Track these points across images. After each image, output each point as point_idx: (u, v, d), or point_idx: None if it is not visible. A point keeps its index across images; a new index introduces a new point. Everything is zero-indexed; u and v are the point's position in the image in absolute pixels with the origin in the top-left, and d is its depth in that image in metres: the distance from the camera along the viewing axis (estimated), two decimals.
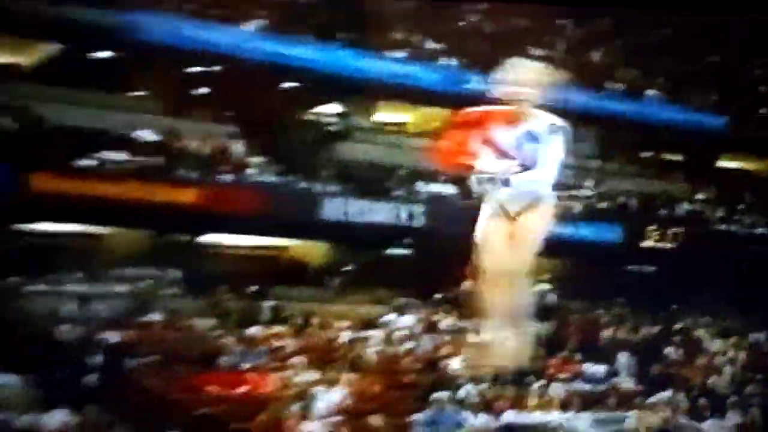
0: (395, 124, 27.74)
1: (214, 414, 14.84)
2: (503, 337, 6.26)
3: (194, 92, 23.57)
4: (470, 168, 6.12)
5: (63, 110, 20.25)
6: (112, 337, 16.52)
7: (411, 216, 22.23)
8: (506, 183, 6.03)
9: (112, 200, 18.89)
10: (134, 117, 21.20)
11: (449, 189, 23.37)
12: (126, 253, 20.34)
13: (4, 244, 18.94)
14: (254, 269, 20.93)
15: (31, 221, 19.42)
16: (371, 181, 22.69)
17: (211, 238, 21.27)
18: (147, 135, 20.98)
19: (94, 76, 21.57)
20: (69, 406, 13.99)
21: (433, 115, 27.64)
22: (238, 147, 22.11)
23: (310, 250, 22.68)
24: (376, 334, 18.59)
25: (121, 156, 19.77)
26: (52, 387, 14.72)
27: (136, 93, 23.30)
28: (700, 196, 28.07)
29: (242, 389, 15.61)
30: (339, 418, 14.77)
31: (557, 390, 17.11)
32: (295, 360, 16.47)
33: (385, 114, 27.38)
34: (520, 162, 6.06)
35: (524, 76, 6.12)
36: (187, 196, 19.95)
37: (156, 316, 17.84)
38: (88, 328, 16.76)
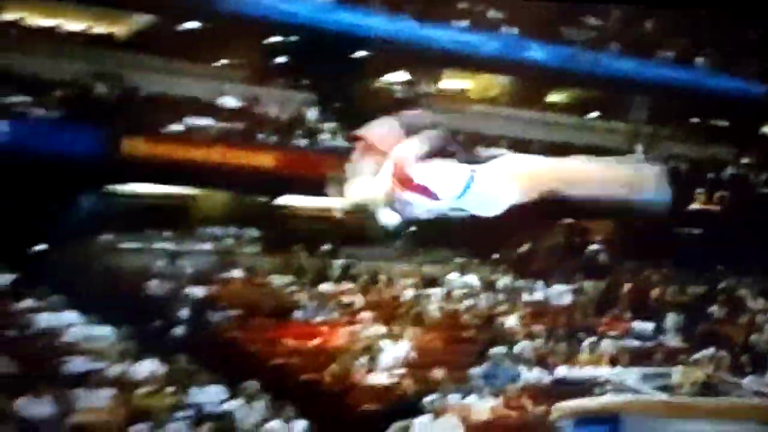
0: (458, 90, 27.87)
1: (288, 364, 15.06)
2: None
3: (273, 61, 23.85)
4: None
5: (154, 78, 20.72)
6: (197, 291, 16.92)
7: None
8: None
9: (198, 164, 19.33)
10: (219, 85, 21.61)
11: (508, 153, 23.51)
12: (210, 214, 20.73)
13: (99, 205, 19.42)
14: (326, 229, 21.16)
15: (124, 183, 19.89)
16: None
17: (287, 199, 21.54)
18: (230, 102, 21.36)
19: (182, 46, 21.92)
20: (158, 356, 14.21)
21: (493, 82, 27.80)
22: (312, 113, 22.40)
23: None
24: (437, 292, 18.83)
25: (206, 122, 20.17)
26: (142, 338, 14.98)
27: (221, 62, 23.64)
28: (744, 160, 27.99)
29: (314, 341, 15.78)
30: (403, 370, 14.94)
31: (607, 346, 17.15)
32: (363, 315, 16.66)
33: (449, 81, 27.50)
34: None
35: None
36: (266, 159, 20.29)
37: (237, 273, 18.31)
38: (175, 283, 17.18)
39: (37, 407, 12.12)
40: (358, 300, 17.71)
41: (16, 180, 17.02)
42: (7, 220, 17.25)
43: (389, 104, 23.61)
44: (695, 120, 29.76)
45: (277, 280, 18.27)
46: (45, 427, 11.79)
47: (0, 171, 16.92)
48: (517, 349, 16.39)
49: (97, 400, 12.59)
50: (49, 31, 22.08)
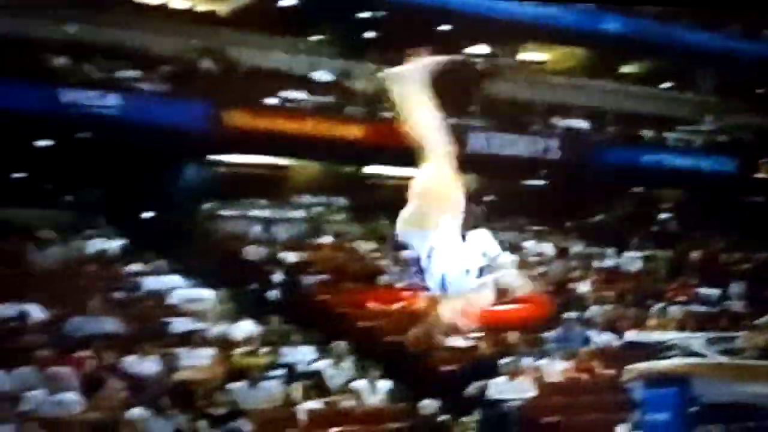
0: (536, 62, 27.73)
1: (373, 326, 15.25)
2: None
3: (362, 36, 23.89)
4: None
5: (253, 53, 20.91)
6: (290, 257, 17.10)
7: (547, 149, 22.32)
8: None
9: (292, 135, 19.47)
10: (313, 59, 21.77)
11: (582, 124, 23.46)
12: (302, 183, 20.94)
13: (202, 174, 19.74)
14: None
15: (224, 153, 20.16)
16: (512, 116, 22.83)
17: (374, 169, 21.70)
18: (323, 76, 21.48)
19: (279, 22, 22.06)
20: (254, 318, 14.53)
21: (570, 54, 27.58)
22: None
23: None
24: (513, 259, 18.74)
25: (300, 95, 20.34)
26: (240, 300, 15.34)
27: (315, 37, 23.75)
28: None
29: (398, 305, 15.92)
30: (480, 333, 15.06)
31: (675, 311, 17.16)
32: None
33: (527, 53, 27.36)
34: None
35: None
36: (354, 131, 20.43)
37: (326, 239, 18.54)
38: (270, 248, 17.36)
39: (144, 365, 12.50)
40: None
41: (126, 150, 17.38)
42: (118, 189, 17.68)
43: (471, 76, 23.63)
44: (761, 90, 29.27)
45: (364, 246, 18.38)
46: (151, 384, 12.08)
47: (111, 142, 17.37)
48: (588, 313, 16.51)
49: (199, 359, 12.96)
50: (157, 9, 22.33)
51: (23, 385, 11.42)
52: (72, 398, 11.33)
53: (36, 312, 13.11)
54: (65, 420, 10.94)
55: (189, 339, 13.28)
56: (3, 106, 16.24)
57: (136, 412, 11.24)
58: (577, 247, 20.18)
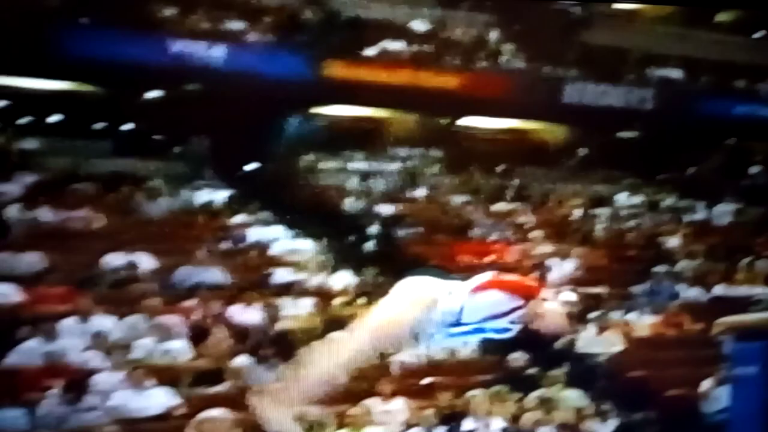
0: (630, 11, 27.22)
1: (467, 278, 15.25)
2: None
3: None
4: None
5: (353, 3, 20.80)
6: (386, 209, 17.17)
7: (641, 100, 22.03)
8: None
9: (390, 86, 19.48)
10: (410, 9, 21.63)
11: (677, 73, 23.06)
12: (399, 134, 20.97)
13: (302, 126, 19.90)
14: (502, 150, 21.12)
15: (325, 105, 20.23)
16: (607, 66, 22.53)
17: (468, 120, 21.61)
18: (420, 25, 21.37)
19: None
20: (351, 269, 14.73)
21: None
22: (492, 36, 22.23)
23: (551, 132, 22.71)
24: (605, 212, 18.77)
25: (398, 45, 20.31)
26: (338, 252, 15.43)
27: None
28: None
29: (488, 258, 15.81)
30: (570, 287, 15.05)
31: (764, 266, 16.90)
32: (534, 234, 16.71)
33: (623, 2, 26.87)
34: None
35: None
36: (450, 81, 20.34)
37: (420, 192, 18.56)
38: (367, 201, 17.46)
39: (247, 315, 12.79)
40: (530, 219, 17.66)
41: (231, 102, 17.57)
42: (223, 141, 17.89)
43: (566, 24, 23.31)
44: None
45: (456, 198, 18.32)
46: (254, 333, 12.36)
47: (216, 93, 17.56)
48: (677, 267, 16.39)
49: (298, 309, 13.21)
50: None
51: (133, 333, 11.78)
52: (180, 346, 11.68)
53: (146, 261, 13.47)
54: (173, 368, 11.27)
55: (289, 289, 13.51)
56: (112, 57, 16.57)
57: (240, 360, 11.53)
58: (668, 201, 19.92)
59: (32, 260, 12.86)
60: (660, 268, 15.84)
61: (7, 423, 9.69)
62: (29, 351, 10.80)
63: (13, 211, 14.02)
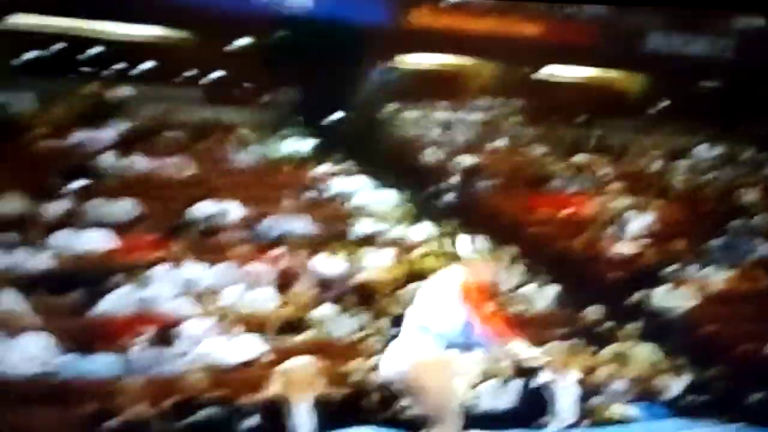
0: None
1: (543, 232, 15.18)
2: None
3: None
4: None
5: None
6: (466, 160, 16.97)
7: (724, 49, 21.51)
8: None
9: (472, 34, 19.13)
10: None
11: (760, 22, 22.40)
12: (480, 84, 20.74)
13: (386, 74, 19.74)
14: (583, 100, 20.76)
15: (408, 53, 19.98)
16: (690, 16, 21.98)
17: (550, 69, 21.30)
18: None
19: None
20: (431, 220, 14.67)
21: None
22: None
23: (632, 82, 22.23)
24: (683, 164, 18.48)
25: None
26: (418, 202, 15.35)
27: None
28: None
29: (567, 211, 15.76)
30: (647, 240, 14.90)
31: None
32: (613, 186, 16.44)
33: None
34: None
35: None
36: (533, 29, 19.98)
37: (501, 143, 18.39)
38: (447, 151, 17.30)
39: (331, 265, 12.91)
40: (609, 170, 17.36)
41: (317, 50, 17.52)
42: (309, 90, 17.88)
43: None
44: None
45: (536, 149, 18.11)
46: (336, 283, 12.48)
47: (302, 41, 17.55)
48: (755, 221, 16.08)
49: (380, 260, 13.30)
50: None
51: (223, 281, 11.97)
52: (266, 295, 11.84)
53: (235, 210, 13.64)
54: (260, 316, 11.42)
55: (371, 240, 13.57)
56: (202, 4, 16.62)
57: (324, 309, 11.68)
58: (747, 153, 19.48)
59: (125, 207, 13.10)
60: (737, 223, 15.51)
61: (100, 369, 9.91)
62: (122, 298, 10.97)
63: (107, 159, 14.26)
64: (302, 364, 9.48)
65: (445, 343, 5.76)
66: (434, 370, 5.82)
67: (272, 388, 9.40)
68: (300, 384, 9.10)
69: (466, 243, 5.89)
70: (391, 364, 5.69)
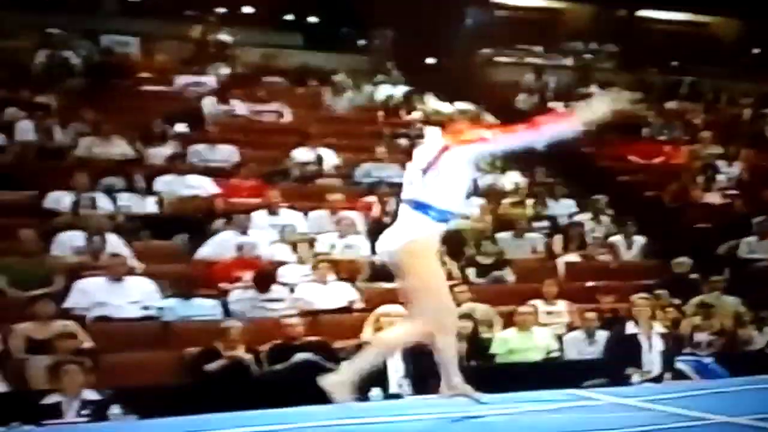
0: None
1: (633, 181, 14.92)
2: None
3: None
4: None
5: None
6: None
7: None
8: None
9: None
10: None
11: None
12: (574, 28, 20.32)
13: (480, 18, 19.40)
14: (677, 45, 20.26)
15: None
16: None
17: (646, 12, 20.64)
18: None
19: None
20: (521, 169, 14.47)
21: None
22: None
23: (726, 28, 21.60)
24: None
25: None
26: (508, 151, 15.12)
27: None
28: None
29: (658, 159, 15.48)
30: (736, 191, 14.55)
31: None
32: (703, 134, 16.05)
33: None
34: None
35: None
36: None
37: (593, 89, 17.84)
38: (539, 97, 16.90)
39: None
40: (700, 118, 16.96)
41: None
42: (404, 34, 17.64)
43: None
44: None
45: (629, 97, 17.61)
46: None
47: None
48: None
49: (470, 208, 13.12)
50: None
51: (318, 227, 12.04)
52: (360, 242, 11.86)
53: (330, 157, 13.66)
54: (353, 262, 11.47)
55: None
56: None
57: None
58: None
59: (226, 153, 13.21)
60: None
61: (202, 312, 10.10)
62: (223, 242, 11.11)
63: (208, 103, 14.36)
64: (393, 310, 9.50)
65: (441, 218, 5.03)
66: (425, 248, 5.01)
67: (364, 334, 9.48)
68: None
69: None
70: (385, 243, 5.16)
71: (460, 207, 5.19)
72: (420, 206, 5.02)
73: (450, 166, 5.01)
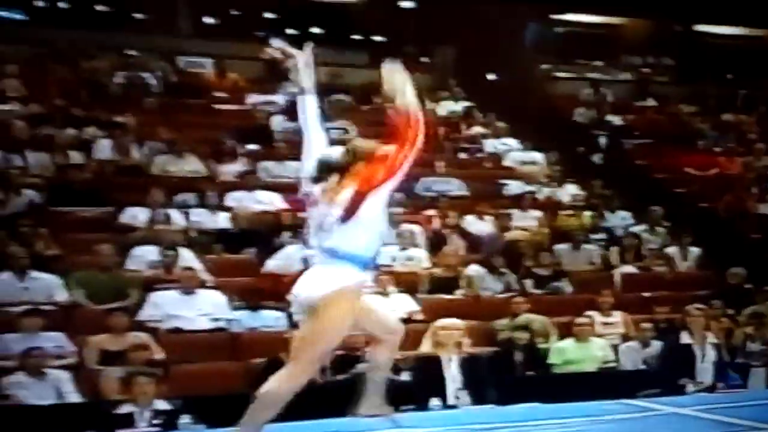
0: None
1: (688, 192, 14.71)
2: None
3: None
4: None
5: None
6: (615, 119, 16.44)
7: None
8: None
9: None
10: None
11: None
12: (631, 42, 20.03)
13: (540, 34, 19.11)
14: (732, 59, 19.80)
15: (562, 12, 19.35)
16: None
17: (702, 27, 20.34)
18: None
19: None
20: (578, 181, 14.32)
21: None
22: None
23: None
24: None
25: None
26: (567, 163, 14.93)
27: None
28: None
29: (713, 171, 15.21)
30: None
31: None
32: (758, 145, 15.66)
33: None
34: None
35: None
36: None
37: (649, 102, 17.63)
38: (597, 110, 16.71)
39: (480, 225, 12.79)
40: (755, 130, 16.55)
41: (474, 11, 17.18)
42: (466, 50, 17.51)
43: None
44: None
45: (685, 108, 17.31)
46: (486, 243, 12.40)
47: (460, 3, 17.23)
48: None
49: (528, 220, 13.13)
50: None
51: None
52: (419, 254, 11.84)
53: None
54: (413, 274, 11.44)
55: (520, 200, 13.38)
56: None
57: (473, 268, 11.57)
58: None
59: (293, 169, 13.20)
60: None
61: (268, 323, 10.13)
62: (289, 256, 11.08)
63: (277, 121, 14.42)
64: (450, 323, 9.47)
65: (366, 266, 4.73)
66: (349, 300, 4.68)
67: (423, 347, 9.46)
68: (448, 344, 9.09)
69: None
70: (307, 287, 4.75)
71: (379, 251, 4.92)
72: (343, 256, 4.69)
73: (369, 213, 4.71)
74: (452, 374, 8.84)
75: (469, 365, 9.09)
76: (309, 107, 5.04)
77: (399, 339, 5.17)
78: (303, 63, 5.05)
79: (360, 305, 4.81)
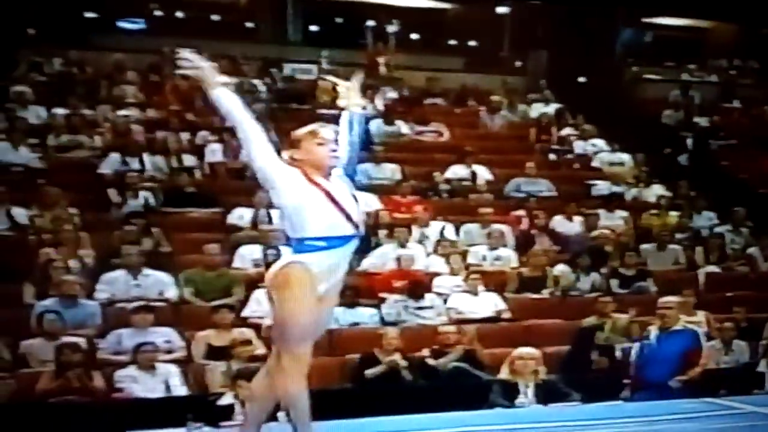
0: None
1: None
2: None
3: None
4: None
5: None
6: (702, 121, 15.93)
7: None
8: None
9: None
10: None
11: None
12: (719, 46, 19.35)
13: (631, 38, 18.55)
14: None
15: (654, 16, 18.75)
16: None
17: None
18: None
19: None
20: (664, 182, 13.84)
21: None
22: None
23: None
24: None
25: None
26: (653, 164, 14.42)
27: None
28: None
29: None
30: None
31: None
32: None
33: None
34: None
35: None
36: None
37: (735, 104, 16.99)
38: (684, 113, 16.16)
39: (568, 225, 12.47)
40: None
41: (564, 14, 16.83)
42: (558, 54, 17.12)
43: None
44: None
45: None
46: (573, 243, 12.05)
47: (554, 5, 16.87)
48: None
49: (614, 221, 12.68)
50: None
51: (470, 240, 11.84)
52: (508, 254, 11.62)
53: (483, 172, 13.43)
54: (502, 273, 11.18)
55: (607, 201, 13.02)
56: None
57: (558, 268, 11.23)
58: None
59: (389, 171, 13.17)
60: None
61: (362, 319, 10.06)
62: (384, 255, 11.03)
63: (376, 125, 14.32)
64: (527, 353, 9.08)
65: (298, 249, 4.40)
66: (286, 281, 4.40)
67: (501, 374, 9.11)
68: (525, 373, 8.73)
69: None
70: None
71: (320, 232, 4.42)
72: (287, 240, 4.60)
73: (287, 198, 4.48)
74: (529, 395, 8.48)
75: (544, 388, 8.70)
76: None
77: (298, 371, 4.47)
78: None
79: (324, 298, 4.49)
